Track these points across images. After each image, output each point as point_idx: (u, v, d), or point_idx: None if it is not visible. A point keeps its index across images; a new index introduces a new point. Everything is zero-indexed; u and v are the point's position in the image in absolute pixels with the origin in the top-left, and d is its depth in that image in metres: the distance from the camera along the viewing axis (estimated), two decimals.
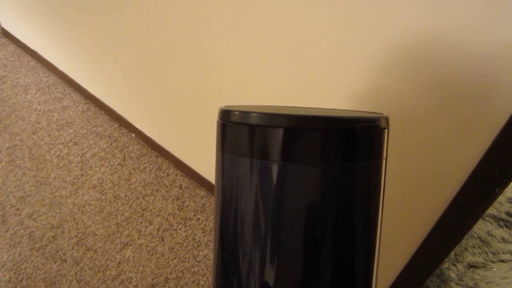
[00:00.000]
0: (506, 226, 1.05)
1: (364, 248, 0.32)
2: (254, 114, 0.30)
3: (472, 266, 1.11)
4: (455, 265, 1.11)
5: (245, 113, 0.31)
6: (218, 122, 0.34)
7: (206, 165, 1.37)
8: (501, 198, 1.05)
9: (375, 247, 0.33)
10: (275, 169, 0.30)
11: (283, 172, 0.30)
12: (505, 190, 0.58)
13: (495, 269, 1.06)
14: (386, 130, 0.33)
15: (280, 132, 0.29)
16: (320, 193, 0.30)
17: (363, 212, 0.32)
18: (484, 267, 1.09)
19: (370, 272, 0.33)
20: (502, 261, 1.07)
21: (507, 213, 1.05)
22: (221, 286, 0.34)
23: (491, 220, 1.08)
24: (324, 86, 0.71)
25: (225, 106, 0.34)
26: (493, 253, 1.08)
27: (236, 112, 0.32)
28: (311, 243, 0.30)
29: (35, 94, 1.83)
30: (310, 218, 0.30)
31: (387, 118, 0.33)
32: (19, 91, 1.84)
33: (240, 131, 0.31)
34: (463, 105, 0.54)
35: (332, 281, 0.31)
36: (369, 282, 0.33)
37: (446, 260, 1.10)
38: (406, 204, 0.72)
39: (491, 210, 1.06)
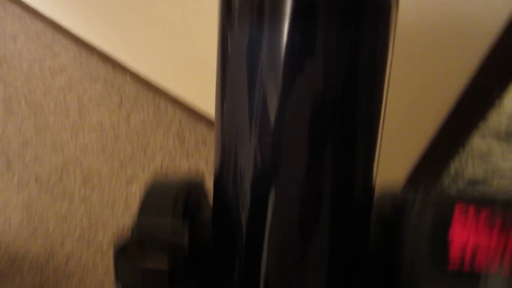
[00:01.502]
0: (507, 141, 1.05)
1: (365, 129, 0.30)
2: None
3: (472, 183, 1.13)
4: (455, 183, 1.13)
5: None
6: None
7: (205, 101, 1.35)
8: (502, 115, 1.04)
9: (378, 131, 0.31)
10: (268, 35, 0.27)
11: (274, 38, 0.27)
12: (505, 106, 0.57)
13: (495, 185, 1.08)
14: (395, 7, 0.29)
15: None
16: (319, 60, 0.27)
17: (366, 91, 0.29)
18: (484, 183, 1.11)
19: (372, 156, 0.31)
20: (501, 177, 1.08)
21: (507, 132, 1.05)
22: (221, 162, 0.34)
23: (491, 136, 1.08)
24: None
25: None
26: (493, 170, 1.09)
27: None
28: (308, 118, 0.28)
29: (24, 42, 1.78)
30: (309, 90, 0.27)
31: None
32: (7, 41, 1.79)
33: None
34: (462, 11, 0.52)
35: (334, 167, 0.29)
36: (371, 172, 0.31)
37: (445, 176, 1.12)
38: (401, 118, 0.71)
39: (491, 124, 1.06)
